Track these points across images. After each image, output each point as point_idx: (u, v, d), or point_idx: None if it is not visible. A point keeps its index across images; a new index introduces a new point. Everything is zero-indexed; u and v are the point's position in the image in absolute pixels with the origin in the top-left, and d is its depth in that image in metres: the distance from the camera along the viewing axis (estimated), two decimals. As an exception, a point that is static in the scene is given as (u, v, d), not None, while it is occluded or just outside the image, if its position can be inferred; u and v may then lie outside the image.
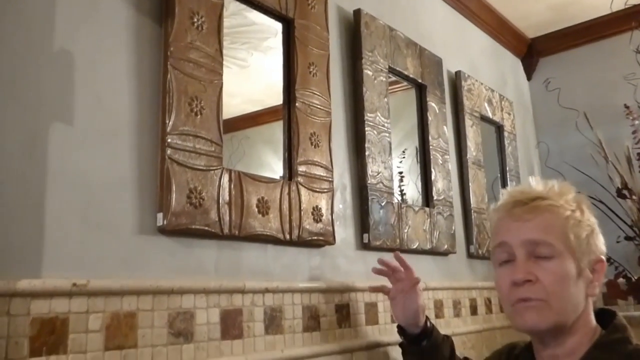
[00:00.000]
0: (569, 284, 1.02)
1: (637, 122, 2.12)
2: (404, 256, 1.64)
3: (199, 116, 1.10)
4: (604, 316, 1.07)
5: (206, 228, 1.08)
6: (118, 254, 0.96)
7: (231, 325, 1.10)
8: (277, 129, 1.38)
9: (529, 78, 2.85)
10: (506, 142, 2.39)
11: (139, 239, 1.00)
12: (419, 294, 1.35)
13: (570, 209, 1.06)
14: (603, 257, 1.08)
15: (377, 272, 1.38)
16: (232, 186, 1.15)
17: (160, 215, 1.02)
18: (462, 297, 1.86)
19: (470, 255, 1.99)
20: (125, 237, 0.98)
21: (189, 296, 1.03)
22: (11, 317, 0.81)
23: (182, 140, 1.06)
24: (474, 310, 1.92)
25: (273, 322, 1.19)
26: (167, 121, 1.05)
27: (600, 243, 1.08)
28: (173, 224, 1.02)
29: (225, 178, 1.13)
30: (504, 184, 2.34)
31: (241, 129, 1.39)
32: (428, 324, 1.38)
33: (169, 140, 1.04)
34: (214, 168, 1.11)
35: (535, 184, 1.12)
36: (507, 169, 2.36)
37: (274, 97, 1.39)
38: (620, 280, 2.08)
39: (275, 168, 1.36)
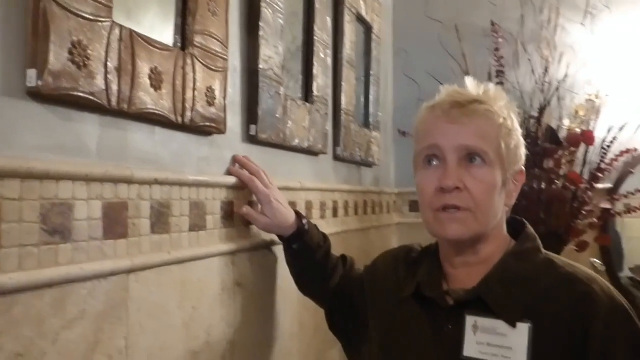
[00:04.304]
0: (495, 194, 0.99)
1: (500, 40, 2.18)
2: (285, 153, 1.52)
3: (85, -55, 0.81)
4: (514, 225, 1.07)
5: (91, 97, 0.83)
6: (-28, 121, 0.69)
7: (115, 222, 0.89)
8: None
9: (396, -16, 2.79)
10: (373, 45, 2.32)
11: (1, 103, 0.72)
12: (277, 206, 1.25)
13: (502, 117, 1.02)
14: (524, 169, 1.07)
15: (236, 173, 1.24)
16: (123, 47, 0.89)
17: (32, 73, 0.74)
18: (327, 199, 1.80)
19: (336, 157, 1.93)
20: (-18, 98, 0.70)
21: (66, 183, 0.79)
22: None
23: (62, -27, 0.78)
24: (335, 213, 1.88)
25: (160, 219, 0.99)
26: (44, -57, 0.75)
27: (523, 154, 1.06)
28: (51, 87, 0.76)
29: (116, 35, 0.87)
30: (367, 88, 2.29)
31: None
32: (305, 225, 1.29)
33: (45, -30, 0.75)
34: (103, 20, 0.84)
35: (471, 85, 1.05)
36: (371, 73, 2.31)
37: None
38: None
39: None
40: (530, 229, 1.06)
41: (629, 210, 2.23)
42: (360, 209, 2.16)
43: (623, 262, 2.75)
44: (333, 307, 1.31)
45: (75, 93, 0.80)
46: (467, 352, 0.96)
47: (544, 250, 1.03)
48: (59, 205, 0.78)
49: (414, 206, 2.67)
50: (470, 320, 0.97)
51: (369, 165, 2.28)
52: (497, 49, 2.15)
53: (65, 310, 0.78)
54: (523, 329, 0.92)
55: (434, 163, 1.01)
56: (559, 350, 0.91)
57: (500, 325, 0.94)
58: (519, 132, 1.05)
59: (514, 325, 0.93)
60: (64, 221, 0.79)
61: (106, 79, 0.85)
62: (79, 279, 0.80)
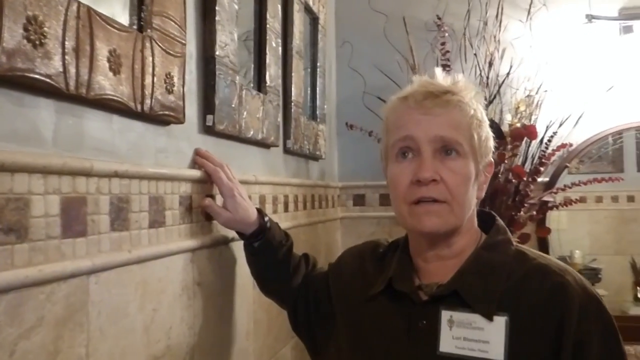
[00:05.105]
0: (470, 186, 0.98)
1: (447, 34, 2.20)
2: (240, 145, 1.46)
3: None
4: (482, 218, 1.07)
5: (48, 80, 0.74)
6: None
7: (74, 219, 0.80)
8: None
9: (341, -26, 2.75)
10: (319, 36, 2.28)
11: (-53, 83, 0.63)
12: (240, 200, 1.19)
13: (473, 108, 1.01)
14: (493, 160, 1.07)
15: (201, 163, 1.17)
16: (80, 25, 0.81)
17: (-17, 51, 0.66)
18: (279, 193, 1.75)
19: (286, 150, 1.88)
20: None
21: (22, 176, 0.71)
22: None
23: (15, -61, 0.69)
24: (286, 207, 1.83)
25: (119, 215, 0.91)
26: None
27: (492, 146, 1.06)
28: (4, 67, 0.67)
29: (73, 12, 0.79)
30: (314, 80, 2.25)
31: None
32: (267, 222, 1.24)
33: None
34: (60, -6, 0.76)
35: (440, 75, 1.03)
36: (318, 64, 2.27)
37: None
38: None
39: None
40: (500, 221, 1.06)
41: (566, 203, 2.31)
42: (309, 203, 2.12)
43: (549, 254, 2.86)
44: (296, 308, 1.26)
45: (31, 75, 0.71)
46: (443, 347, 0.94)
47: (515, 243, 1.03)
48: (14, 200, 0.69)
49: (357, 200, 2.67)
50: (445, 314, 0.95)
51: (315, 158, 2.24)
52: (443, 43, 2.17)
53: (22, 317, 0.70)
54: (500, 322, 0.91)
55: (408, 155, 0.99)
56: (535, 341, 0.91)
57: (476, 318, 0.93)
58: (487, 123, 1.04)
59: (490, 319, 0.92)
60: (19, 218, 0.70)
61: (64, 60, 0.77)
62: (37, 282, 0.72)
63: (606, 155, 2.85)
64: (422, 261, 1.03)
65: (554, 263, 0.98)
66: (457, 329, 0.94)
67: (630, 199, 3.02)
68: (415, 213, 0.97)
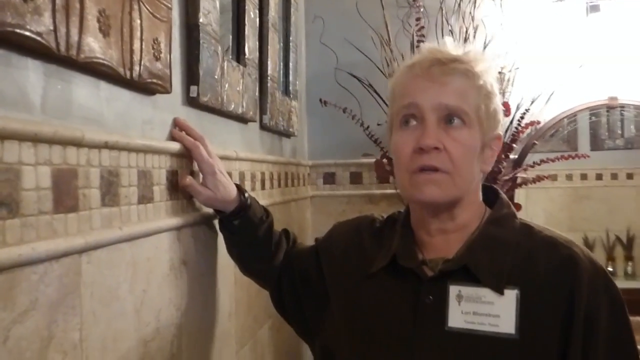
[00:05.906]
0: (474, 158, 0.96)
1: (422, 9, 2.17)
2: (221, 119, 1.40)
3: None
4: (485, 192, 1.05)
5: (38, 39, 0.67)
6: None
7: (65, 192, 0.74)
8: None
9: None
10: (292, 9, 2.21)
11: None
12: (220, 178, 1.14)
13: (482, 79, 0.98)
14: (501, 134, 1.04)
15: (179, 137, 1.10)
16: (69, -19, 0.73)
17: (-31, 1, 0.58)
18: (256, 170, 1.70)
19: (262, 126, 1.82)
20: None
21: (12, 144, 0.64)
22: None
23: None
24: (263, 185, 1.78)
25: (110, 189, 0.85)
26: None
27: (501, 120, 1.03)
28: (-7, 21, 0.60)
29: (62, -36, 0.71)
30: (287, 55, 2.18)
31: None
32: (247, 199, 1.19)
33: None
34: (49, -58, 0.69)
35: (451, 45, 1.00)
36: (291, 39, 2.20)
37: None
38: (385, 160, 2.18)
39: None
40: (504, 195, 1.04)
41: (534, 180, 2.34)
42: (283, 181, 2.07)
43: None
44: (281, 287, 1.21)
45: (21, 31, 0.64)
46: (452, 322, 0.92)
47: (518, 216, 1.02)
48: (4, 171, 0.62)
49: (328, 179, 2.63)
50: (453, 289, 0.93)
51: (288, 135, 2.19)
52: (418, 19, 2.13)
53: (15, 300, 0.63)
54: (510, 296, 0.90)
55: (412, 123, 0.96)
56: (546, 314, 0.90)
57: (486, 293, 0.91)
58: (497, 97, 1.02)
59: (501, 292, 0.90)
60: (11, 191, 0.63)
61: (54, 17, 0.69)
62: (30, 261, 0.65)
63: (561, 134, 2.93)
64: (425, 235, 1.01)
65: (560, 236, 0.97)
66: (466, 304, 0.92)
67: (584, 176, 3.11)
68: (416, 182, 0.94)
